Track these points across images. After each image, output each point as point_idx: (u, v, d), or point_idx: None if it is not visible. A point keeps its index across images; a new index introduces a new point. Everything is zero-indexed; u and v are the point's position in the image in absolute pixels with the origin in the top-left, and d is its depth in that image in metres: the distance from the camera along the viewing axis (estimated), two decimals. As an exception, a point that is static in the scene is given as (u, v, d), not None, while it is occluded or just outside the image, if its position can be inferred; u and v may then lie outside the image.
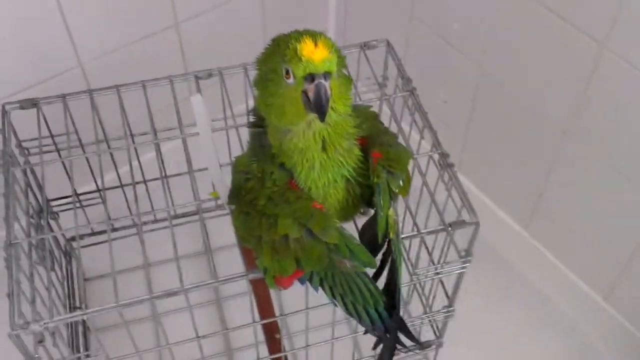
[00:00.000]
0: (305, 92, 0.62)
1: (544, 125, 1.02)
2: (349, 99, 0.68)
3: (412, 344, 0.79)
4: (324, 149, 0.68)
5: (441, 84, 1.17)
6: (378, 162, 0.72)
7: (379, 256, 0.77)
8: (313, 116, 0.65)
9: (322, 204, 0.72)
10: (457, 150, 1.22)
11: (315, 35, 0.63)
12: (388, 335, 0.75)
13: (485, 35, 1.03)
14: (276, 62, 0.64)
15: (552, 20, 0.91)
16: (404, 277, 0.74)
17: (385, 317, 0.73)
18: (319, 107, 0.62)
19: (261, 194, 0.71)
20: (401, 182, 0.72)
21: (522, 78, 1.02)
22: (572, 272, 1.13)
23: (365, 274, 0.72)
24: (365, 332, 0.78)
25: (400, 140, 0.96)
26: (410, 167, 0.79)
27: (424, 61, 1.18)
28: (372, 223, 0.75)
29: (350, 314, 0.74)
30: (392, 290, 0.74)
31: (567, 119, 0.97)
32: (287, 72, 0.63)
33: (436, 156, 0.88)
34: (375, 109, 1.02)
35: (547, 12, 0.92)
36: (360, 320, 0.74)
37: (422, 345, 1.06)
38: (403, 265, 0.75)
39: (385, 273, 0.77)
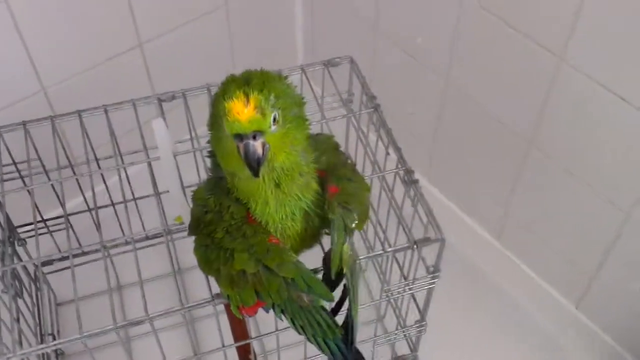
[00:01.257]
0: (237, 145, 0.63)
1: (509, 135, 1.03)
2: (298, 145, 0.67)
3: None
4: (277, 186, 0.69)
5: (408, 96, 1.18)
6: (334, 197, 0.72)
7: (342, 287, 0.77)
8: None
9: (280, 236, 0.72)
10: (425, 162, 1.22)
11: (250, 90, 0.61)
12: None
13: (448, 48, 1.04)
14: (218, 109, 0.63)
15: (512, 35, 0.92)
16: (376, 294, 0.74)
17: (342, 349, 0.73)
18: (249, 166, 0.63)
19: (219, 227, 0.71)
20: (356, 217, 0.72)
21: (486, 90, 1.03)
22: (543, 280, 1.13)
23: (323, 308, 0.72)
24: None
25: (361, 165, 0.97)
26: (371, 194, 0.79)
27: (390, 75, 1.18)
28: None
29: (311, 343, 0.74)
30: (349, 322, 0.75)
31: (530, 129, 0.98)
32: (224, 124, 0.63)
33: (401, 173, 0.89)
34: (342, 125, 1.03)
35: (506, 27, 0.93)
36: (321, 350, 0.75)
37: (397, 359, 1.07)
38: (362, 293, 0.75)
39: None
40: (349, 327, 0.74)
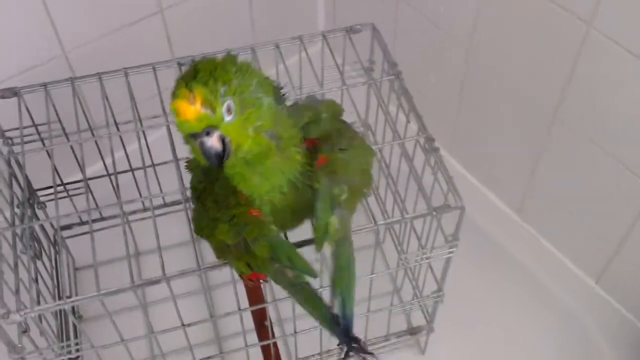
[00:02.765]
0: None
1: (534, 107, 1.01)
2: (266, 126, 0.63)
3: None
4: (251, 167, 0.66)
5: (430, 66, 1.16)
6: (321, 168, 0.69)
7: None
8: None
9: (270, 210, 0.70)
10: (447, 133, 1.21)
11: (194, 85, 0.57)
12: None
13: (472, 17, 1.02)
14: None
15: (538, 1, 0.90)
16: (392, 264, 0.72)
17: (335, 331, 0.69)
18: (211, 162, 0.60)
19: (209, 197, 0.71)
20: (344, 189, 0.69)
21: (510, 60, 1.01)
22: (563, 254, 1.12)
23: (308, 284, 0.70)
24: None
25: (369, 136, 0.96)
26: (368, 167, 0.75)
27: (412, 44, 1.16)
28: None
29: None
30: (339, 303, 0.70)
31: (556, 101, 0.96)
32: None
33: (422, 140, 0.87)
34: (363, 93, 1.02)
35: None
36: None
37: (412, 330, 1.06)
38: (357, 270, 0.71)
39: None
40: (340, 308, 0.70)
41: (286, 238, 0.78)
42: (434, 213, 0.80)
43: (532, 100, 1.00)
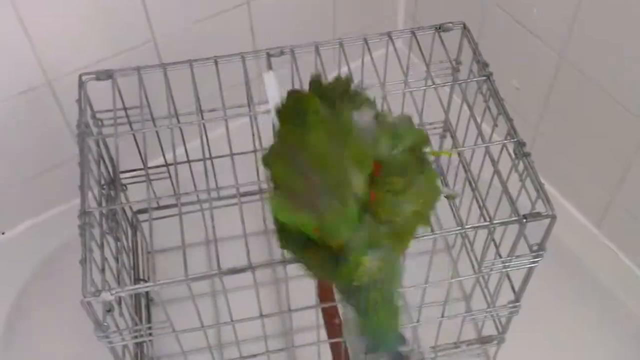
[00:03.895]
0: None
1: (625, 119, 0.97)
2: None
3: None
4: None
5: (515, 69, 1.13)
6: (369, 203, 0.63)
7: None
8: None
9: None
10: (526, 140, 1.17)
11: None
12: None
13: (567, 21, 0.99)
14: None
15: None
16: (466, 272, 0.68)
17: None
18: None
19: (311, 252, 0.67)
20: (383, 232, 0.64)
21: (604, 68, 0.97)
22: (642, 271, 1.08)
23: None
24: None
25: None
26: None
27: (497, 45, 1.13)
28: None
29: None
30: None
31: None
32: None
33: (510, 145, 0.85)
34: (446, 94, 1.00)
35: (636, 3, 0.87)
36: None
37: (483, 340, 1.04)
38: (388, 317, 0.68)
39: None
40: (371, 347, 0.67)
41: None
42: (524, 220, 0.78)
43: (625, 111, 0.97)
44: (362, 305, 0.66)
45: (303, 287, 0.83)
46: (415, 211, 0.67)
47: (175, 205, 1.08)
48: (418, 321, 0.96)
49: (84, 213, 0.75)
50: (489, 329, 1.04)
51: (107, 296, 0.69)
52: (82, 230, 0.74)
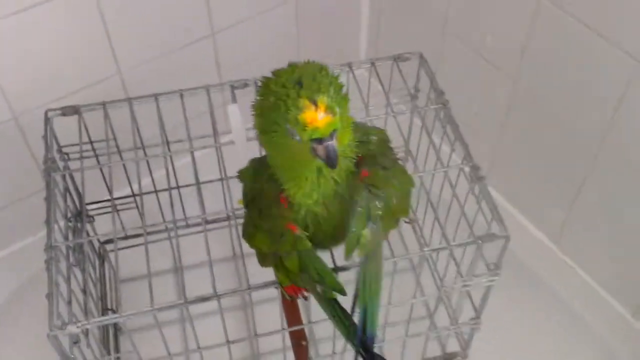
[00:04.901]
0: (313, 148, 0.62)
1: (578, 140, 1.01)
2: (350, 135, 0.67)
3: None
4: (319, 171, 0.68)
5: (473, 96, 1.17)
6: (362, 180, 0.71)
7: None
8: (322, 163, 0.64)
9: (310, 222, 0.72)
10: (486, 162, 1.22)
11: (313, 93, 0.60)
12: None
13: (519, 49, 1.03)
14: (277, 118, 0.62)
15: (588, 36, 0.91)
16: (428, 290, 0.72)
17: (359, 350, 0.71)
18: (331, 165, 0.62)
19: (255, 205, 0.74)
20: (380, 204, 0.70)
21: (557, 92, 1.02)
22: (601, 287, 1.12)
23: (336, 300, 0.72)
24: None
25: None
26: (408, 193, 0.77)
27: (455, 73, 1.18)
28: None
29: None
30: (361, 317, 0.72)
31: (601, 134, 0.97)
32: (292, 132, 0.62)
33: (467, 169, 0.89)
34: (406, 120, 1.04)
35: (583, 28, 0.92)
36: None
37: (446, 357, 1.07)
38: (384, 287, 0.73)
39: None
40: (360, 321, 0.72)
41: (332, 257, 0.80)
42: (479, 241, 0.81)
43: (578, 132, 1.01)
44: (361, 277, 0.71)
45: (272, 310, 0.85)
46: (402, 192, 0.74)
47: (140, 235, 1.10)
48: (383, 341, 0.99)
49: (50, 247, 0.76)
50: (453, 346, 1.07)
51: (73, 329, 0.70)
52: (48, 264, 0.75)
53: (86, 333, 0.77)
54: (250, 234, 0.76)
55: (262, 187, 0.74)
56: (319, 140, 0.61)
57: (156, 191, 1.04)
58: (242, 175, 0.81)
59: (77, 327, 0.70)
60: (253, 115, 0.67)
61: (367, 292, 0.72)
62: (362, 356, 0.72)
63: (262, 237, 0.73)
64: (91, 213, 1.04)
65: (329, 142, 0.61)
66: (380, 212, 0.71)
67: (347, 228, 0.71)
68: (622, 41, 0.87)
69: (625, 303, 1.09)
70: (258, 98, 0.66)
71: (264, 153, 0.93)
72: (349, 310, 0.75)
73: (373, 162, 0.73)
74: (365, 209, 0.70)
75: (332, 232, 0.75)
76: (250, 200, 0.77)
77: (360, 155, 0.72)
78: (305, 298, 0.81)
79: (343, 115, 0.63)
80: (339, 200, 0.71)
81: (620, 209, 1.02)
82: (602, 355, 1.12)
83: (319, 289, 0.71)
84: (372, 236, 0.70)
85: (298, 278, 0.72)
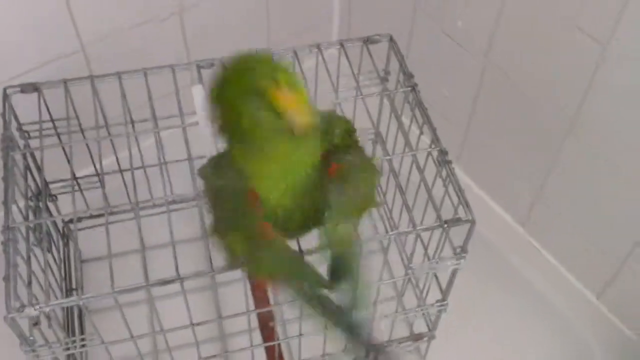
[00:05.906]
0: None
1: (547, 122, 1.02)
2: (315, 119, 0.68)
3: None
4: (280, 160, 0.69)
5: (444, 78, 1.17)
6: (333, 174, 0.71)
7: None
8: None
9: (280, 213, 0.71)
10: (456, 145, 1.22)
11: (283, 76, 0.64)
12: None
13: (489, 30, 1.03)
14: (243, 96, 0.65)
15: (559, 21, 0.91)
16: (396, 272, 0.72)
17: (355, 343, 0.69)
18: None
19: (220, 203, 0.72)
20: (353, 196, 0.71)
21: (527, 75, 1.02)
22: (566, 269, 1.13)
23: (323, 294, 0.69)
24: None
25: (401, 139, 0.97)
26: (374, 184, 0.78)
27: (427, 55, 1.17)
28: None
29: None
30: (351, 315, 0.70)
31: (571, 116, 0.97)
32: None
33: (435, 153, 0.89)
34: (376, 103, 1.03)
35: (554, 12, 0.91)
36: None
37: (414, 337, 1.08)
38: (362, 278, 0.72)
39: None
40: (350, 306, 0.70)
41: (298, 242, 0.79)
42: (445, 225, 0.81)
43: (547, 115, 1.01)
44: (347, 274, 0.70)
45: (239, 291, 0.85)
46: (370, 183, 0.75)
47: (109, 214, 1.08)
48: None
49: (7, 229, 0.74)
50: (421, 327, 1.08)
51: (31, 311, 0.69)
52: (5, 246, 0.73)
53: (48, 315, 0.76)
54: (220, 233, 0.74)
55: (228, 184, 0.72)
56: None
57: (121, 170, 1.03)
58: (201, 172, 0.79)
59: (36, 309, 0.69)
60: (213, 106, 0.68)
61: (352, 278, 0.70)
62: (367, 348, 0.70)
63: (235, 238, 0.71)
64: (54, 192, 1.02)
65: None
66: (350, 208, 0.71)
67: (316, 219, 0.71)
68: (586, 26, 0.87)
69: (589, 285, 1.11)
70: (215, 89, 0.67)
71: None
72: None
73: (339, 157, 0.73)
74: (336, 206, 0.69)
75: (300, 223, 0.75)
76: (216, 197, 0.75)
77: (325, 151, 0.72)
78: (277, 294, 0.80)
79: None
80: (305, 192, 0.71)
81: (586, 193, 1.03)
82: (565, 336, 1.14)
83: (305, 286, 0.69)
84: (345, 232, 0.70)
85: (276, 278, 0.71)
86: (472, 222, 0.82)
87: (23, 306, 0.69)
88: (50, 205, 1.03)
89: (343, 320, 0.69)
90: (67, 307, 1.00)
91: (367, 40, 0.96)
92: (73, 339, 0.80)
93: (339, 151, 0.73)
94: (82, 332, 1.03)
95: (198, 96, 0.81)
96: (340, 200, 0.70)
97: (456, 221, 0.81)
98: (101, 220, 1.04)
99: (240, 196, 0.71)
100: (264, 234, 0.69)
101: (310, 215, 0.74)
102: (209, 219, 0.77)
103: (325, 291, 0.70)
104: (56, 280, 0.96)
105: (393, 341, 1.06)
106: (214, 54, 0.91)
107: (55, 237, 1.03)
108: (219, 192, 0.74)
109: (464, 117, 1.17)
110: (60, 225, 1.09)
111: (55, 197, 1.02)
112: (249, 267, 0.73)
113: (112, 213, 1.08)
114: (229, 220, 0.71)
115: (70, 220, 1.10)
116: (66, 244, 1.09)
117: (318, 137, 0.71)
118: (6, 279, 0.71)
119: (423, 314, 1.06)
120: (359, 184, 0.72)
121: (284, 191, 0.70)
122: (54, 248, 1.00)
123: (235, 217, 0.71)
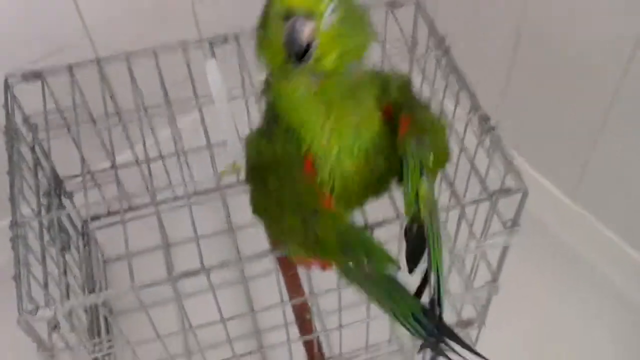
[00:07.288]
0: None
1: (593, 85, 0.94)
2: (359, 51, 0.58)
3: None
4: (327, 110, 0.60)
5: (475, 42, 1.09)
6: (406, 130, 0.62)
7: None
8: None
9: (338, 177, 0.63)
10: (493, 114, 1.14)
11: None
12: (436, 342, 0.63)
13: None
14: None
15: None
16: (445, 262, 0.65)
17: (425, 325, 0.61)
18: (288, 48, 0.54)
19: (272, 176, 0.63)
20: (431, 154, 0.62)
21: (569, 32, 0.93)
22: (622, 240, 1.05)
23: (391, 277, 0.61)
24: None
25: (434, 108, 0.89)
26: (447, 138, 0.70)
27: (455, 19, 1.09)
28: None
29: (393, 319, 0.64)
30: (433, 288, 0.62)
31: (619, 78, 0.89)
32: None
33: (475, 120, 0.81)
34: (404, 72, 0.95)
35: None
36: (405, 328, 0.63)
37: (463, 324, 1.00)
38: (445, 254, 0.64)
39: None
40: (434, 295, 0.62)
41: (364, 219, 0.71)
42: (494, 197, 0.73)
43: (593, 76, 0.93)
44: (431, 243, 0.62)
45: (270, 284, 0.78)
46: (443, 136, 0.67)
47: (127, 210, 1.03)
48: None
49: (15, 225, 0.68)
50: (469, 312, 1.01)
51: (45, 313, 0.63)
52: (14, 243, 0.67)
53: (69, 317, 0.71)
54: (268, 209, 0.66)
55: (277, 150, 0.63)
56: (288, 17, 0.53)
57: (138, 162, 0.97)
58: (248, 140, 0.69)
59: (50, 310, 0.63)
60: (258, 55, 0.60)
61: (435, 255, 0.62)
62: (435, 334, 0.62)
63: (294, 223, 0.63)
64: (70, 188, 0.96)
65: (298, 22, 0.53)
66: (431, 161, 0.63)
67: (378, 187, 0.65)
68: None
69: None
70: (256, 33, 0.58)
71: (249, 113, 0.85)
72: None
73: (409, 108, 0.64)
74: (418, 161, 0.61)
75: (357, 193, 0.66)
76: (260, 168, 0.66)
77: (388, 104, 0.64)
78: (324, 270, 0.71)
79: (343, 28, 0.55)
80: (366, 153, 0.63)
81: (636, 160, 0.94)
82: (623, 311, 1.06)
83: (367, 268, 0.61)
84: (429, 190, 0.62)
85: (337, 260, 0.63)
86: (525, 192, 0.74)
87: (37, 308, 0.63)
88: (67, 202, 0.98)
89: (413, 302, 0.62)
90: (92, 311, 0.95)
91: (392, 5, 0.89)
92: (95, 340, 0.75)
93: (406, 103, 0.65)
94: (108, 334, 0.98)
95: (212, 72, 0.75)
96: (421, 152, 0.62)
97: (506, 192, 0.73)
98: (120, 217, 1.00)
99: (292, 163, 0.62)
100: (326, 210, 0.62)
101: (372, 182, 0.66)
102: (252, 195, 0.68)
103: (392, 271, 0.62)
104: (77, 281, 0.91)
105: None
106: (227, 30, 0.85)
107: (74, 237, 0.98)
108: (266, 159, 0.64)
109: (501, 82, 1.09)
110: (79, 225, 1.04)
111: (72, 193, 0.96)
112: (307, 249, 0.64)
113: (131, 209, 1.03)
114: (276, 192, 0.63)
115: (91, 218, 1.05)
116: (87, 244, 1.04)
117: (375, 89, 0.63)
118: (16, 278, 0.65)
119: (471, 298, 0.98)
120: (436, 135, 0.65)
121: (338, 152, 0.62)
122: (73, 248, 0.95)
123: (285, 188, 0.63)
